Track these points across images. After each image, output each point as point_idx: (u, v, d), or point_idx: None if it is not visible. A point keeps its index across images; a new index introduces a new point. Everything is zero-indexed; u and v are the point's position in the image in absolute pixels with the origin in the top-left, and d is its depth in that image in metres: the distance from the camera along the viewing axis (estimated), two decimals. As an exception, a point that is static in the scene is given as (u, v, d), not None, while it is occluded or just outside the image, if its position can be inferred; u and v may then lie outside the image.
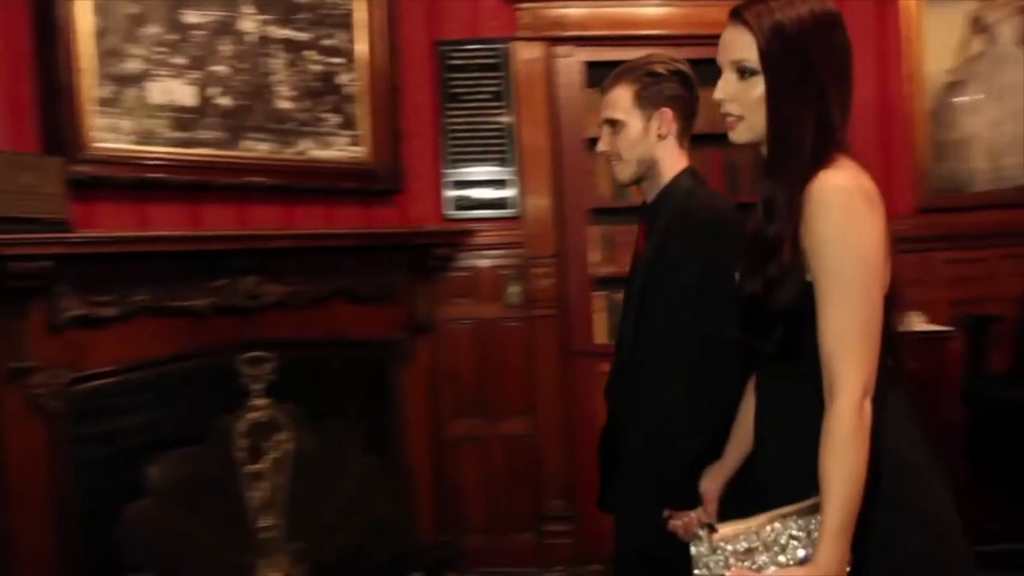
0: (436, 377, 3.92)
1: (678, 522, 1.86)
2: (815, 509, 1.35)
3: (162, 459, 2.93)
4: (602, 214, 4.11)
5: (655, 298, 1.97)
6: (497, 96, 4.00)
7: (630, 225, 4.02)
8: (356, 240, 3.53)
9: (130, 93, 2.97)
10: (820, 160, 1.40)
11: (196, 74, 3.16)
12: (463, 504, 4.03)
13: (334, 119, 3.60)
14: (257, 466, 3.17)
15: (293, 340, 3.32)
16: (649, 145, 2.01)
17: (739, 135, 1.49)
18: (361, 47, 3.69)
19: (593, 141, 3.99)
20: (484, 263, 4.01)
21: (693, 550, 1.39)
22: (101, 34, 2.88)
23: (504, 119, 4.01)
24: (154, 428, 2.94)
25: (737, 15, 1.47)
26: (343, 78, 3.64)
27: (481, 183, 4.02)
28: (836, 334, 1.34)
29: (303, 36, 3.51)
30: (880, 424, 1.36)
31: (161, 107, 3.05)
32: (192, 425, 3.02)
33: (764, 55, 1.41)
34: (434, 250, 3.75)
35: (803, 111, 1.41)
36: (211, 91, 3.20)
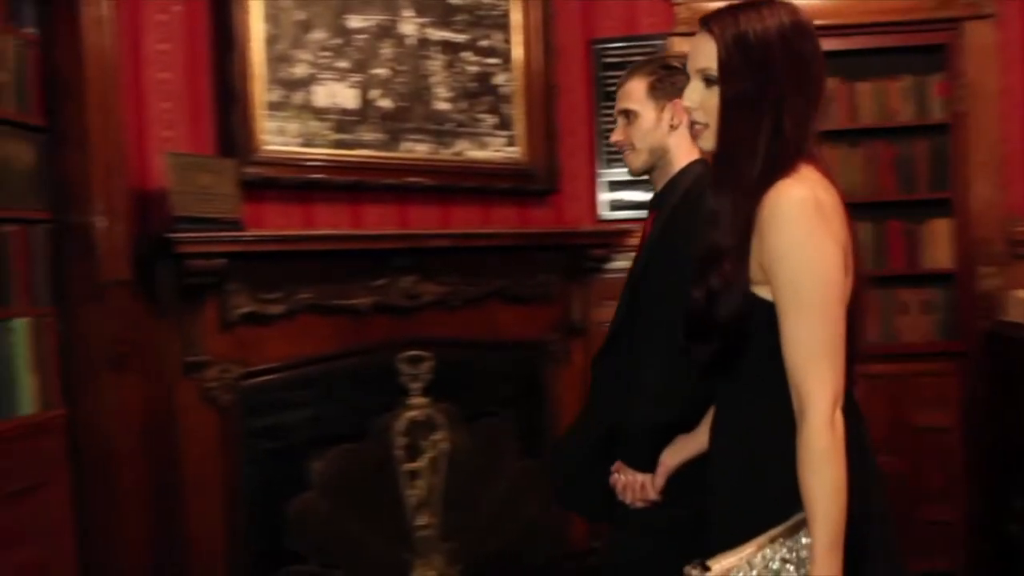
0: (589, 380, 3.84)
1: (619, 477, 1.91)
2: (799, 527, 1.33)
3: (324, 454, 2.99)
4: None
5: (652, 281, 1.97)
6: (653, 94, 3.90)
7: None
8: (511, 240, 3.52)
9: (297, 97, 3.06)
10: (776, 170, 1.38)
11: (358, 77, 3.22)
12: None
13: (490, 120, 3.60)
14: (414, 464, 3.19)
15: (450, 340, 3.33)
16: (661, 135, 2.03)
17: (705, 142, 1.49)
18: (517, 47, 3.68)
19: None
20: (639, 265, 3.90)
21: None
22: (271, 41, 2.98)
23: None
24: (317, 424, 3.01)
25: (704, 23, 1.47)
26: (499, 78, 3.64)
27: (636, 183, 3.91)
28: (800, 350, 1.33)
29: (461, 38, 3.53)
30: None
31: (325, 110, 3.13)
32: (352, 422, 3.08)
33: (722, 65, 1.41)
34: (589, 251, 3.69)
35: (757, 121, 1.39)
36: (372, 93, 3.26)
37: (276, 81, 3.00)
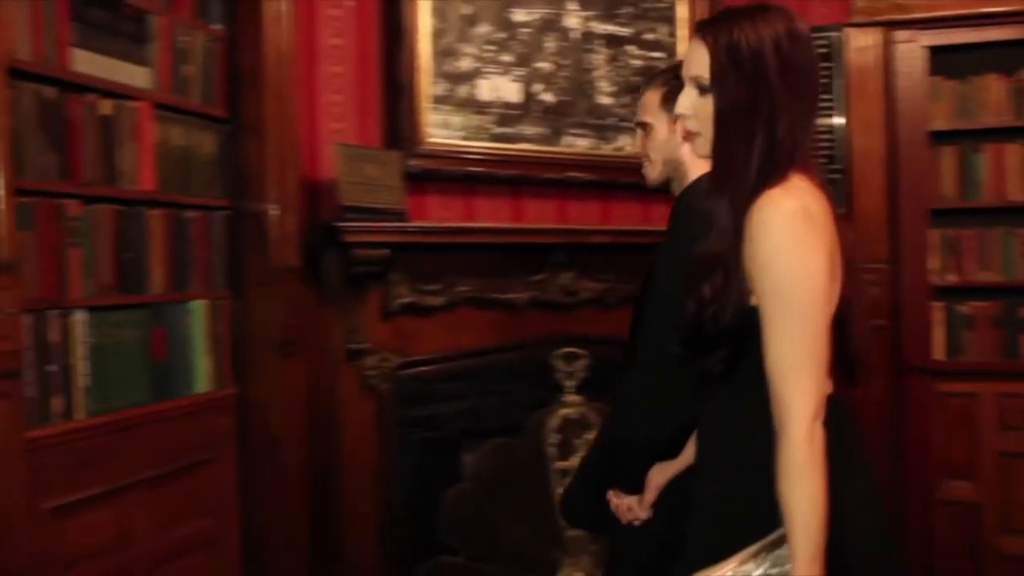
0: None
1: (617, 501, 1.90)
2: (782, 541, 1.31)
3: (477, 447, 3.00)
4: (945, 216, 3.67)
5: (651, 294, 1.93)
6: (825, 88, 3.71)
7: (979, 228, 3.59)
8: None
9: (461, 90, 3.08)
10: (767, 179, 1.36)
11: (521, 71, 3.21)
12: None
13: (653, 114, 3.51)
14: (566, 463, 3.15)
15: (606, 338, 3.26)
16: (674, 146, 1.99)
17: (700, 149, 1.48)
18: (682, 41, 3.57)
19: (938, 135, 3.69)
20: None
21: None
22: (438, 35, 3.01)
23: (833, 115, 3.71)
24: (471, 416, 3.02)
25: (698, 30, 1.47)
26: (663, 72, 3.55)
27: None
28: (781, 360, 1.31)
29: (625, 31, 3.46)
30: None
31: (488, 104, 3.14)
32: (506, 416, 3.07)
33: (714, 73, 1.40)
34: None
35: (750, 130, 1.38)
36: (535, 87, 3.24)
37: (441, 75, 3.02)
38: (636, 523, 1.88)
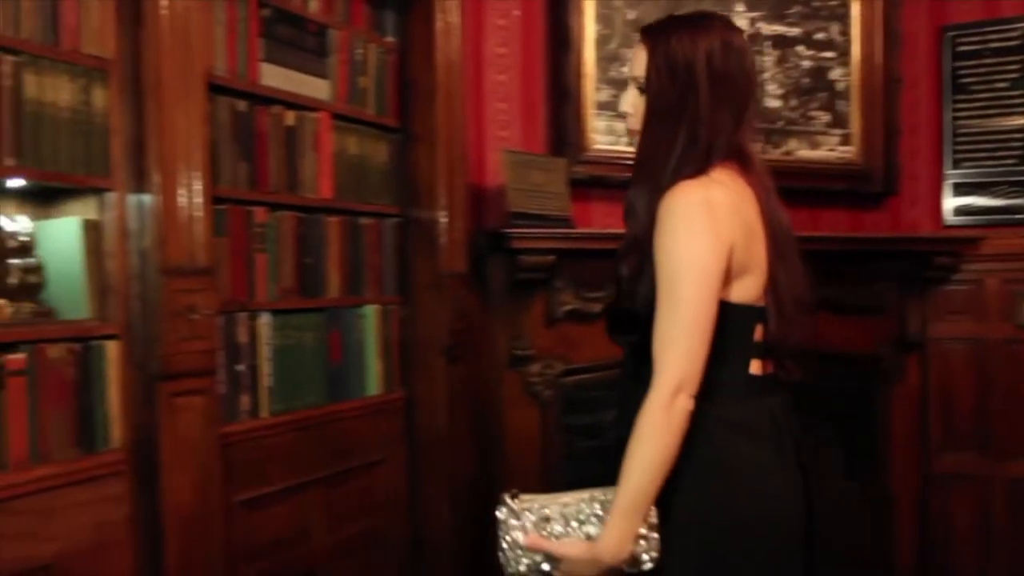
0: (925, 402, 3.50)
1: None
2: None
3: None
4: None
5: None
6: (1016, 84, 3.46)
7: None
8: (843, 246, 3.27)
9: (626, 96, 3.05)
10: (683, 172, 1.43)
11: (686, 75, 3.15)
12: (951, 550, 3.54)
13: (824, 117, 3.38)
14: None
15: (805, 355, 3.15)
16: None
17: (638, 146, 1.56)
18: (856, 39, 3.42)
19: None
20: (991, 276, 3.48)
21: (499, 515, 1.43)
22: (602, 41, 3.00)
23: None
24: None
25: (642, 34, 1.56)
26: (835, 73, 3.41)
27: (989, 185, 3.51)
28: (659, 334, 1.39)
29: (794, 31, 3.35)
30: (705, 432, 1.40)
31: (653, 109, 3.09)
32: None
33: (649, 76, 1.49)
34: (932, 260, 3.34)
35: (674, 131, 1.46)
36: (700, 91, 3.18)
37: (606, 80, 3.01)
38: None
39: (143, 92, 1.83)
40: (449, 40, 2.69)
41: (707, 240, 1.38)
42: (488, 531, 2.50)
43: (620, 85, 3.03)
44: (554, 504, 1.42)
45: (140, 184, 1.84)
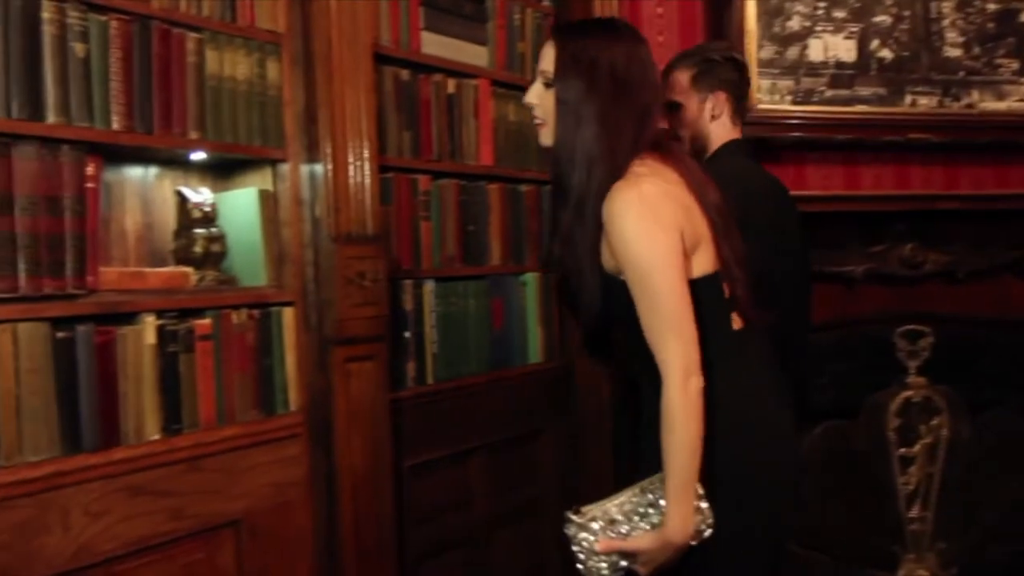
0: None
1: None
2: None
3: (809, 431, 2.83)
4: None
5: None
6: None
7: None
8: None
9: (791, 52, 2.90)
10: (606, 174, 1.50)
11: (856, 27, 2.97)
12: None
13: (1011, 65, 3.10)
14: (908, 450, 2.89)
15: (953, 315, 2.96)
16: (703, 124, 2.14)
17: (544, 138, 1.64)
18: (1047, -22, 3.13)
19: None
20: None
21: (568, 532, 1.50)
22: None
23: None
24: (798, 398, 2.85)
25: (553, 32, 1.67)
26: (1025, 16, 3.13)
27: None
28: (651, 329, 1.47)
29: (976, -27, 3.09)
30: (718, 392, 1.48)
31: (820, 65, 2.93)
32: (840, 398, 2.87)
33: (557, 73, 1.57)
34: None
35: (578, 127, 1.54)
36: (871, 44, 2.98)
37: (769, 37, 2.87)
38: None
39: (313, 64, 1.88)
40: (606, 1, 2.63)
41: (657, 232, 1.46)
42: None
43: (784, 41, 2.89)
44: (612, 506, 1.50)
45: (312, 154, 1.88)
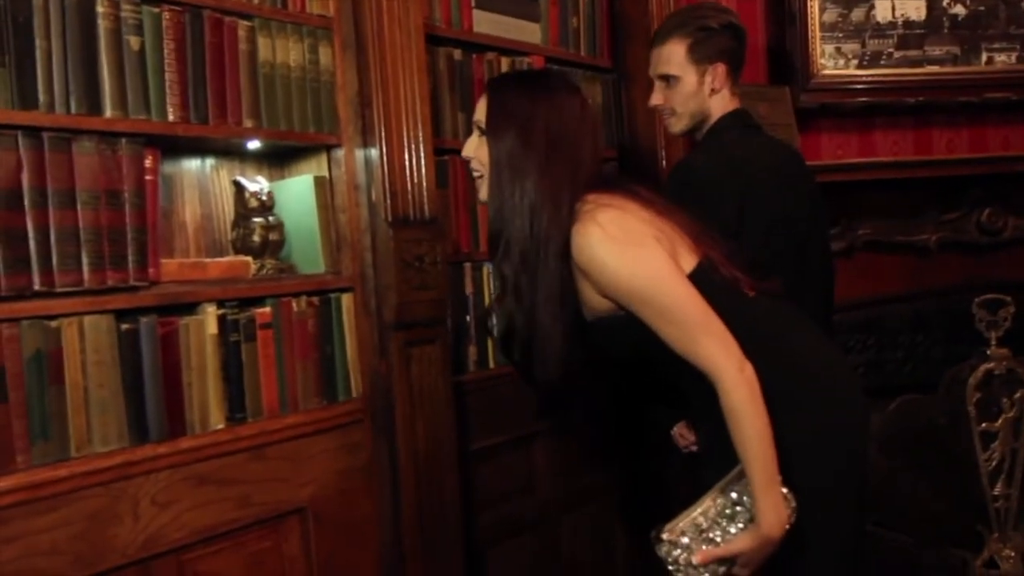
0: None
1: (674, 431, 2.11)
2: (742, 475, 1.43)
3: (885, 405, 2.74)
4: None
5: None
6: None
7: None
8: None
9: (856, 13, 2.80)
10: (556, 221, 1.49)
11: (926, -16, 2.85)
12: None
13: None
14: (990, 425, 2.78)
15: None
16: (702, 99, 2.04)
17: (482, 193, 1.62)
18: None
19: None
20: None
21: (658, 552, 1.46)
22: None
23: None
24: (878, 371, 2.78)
25: (487, 85, 1.65)
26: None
27: None
28: (682, 343, 1.45)
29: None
30: (760, 367, 1.43)
31: (888, 26, 2.82)
32: (918, 372, 2.78)
33: (489, 126, 1.57)
34: None
35: (518, 180, 1.52)
36: (943, 1, 2.85)
37: (834, 0, 2.77)
38: (692, 449, 1.99)
39: (365, 48, 1.85)
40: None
41: (637, 250, 1.45)
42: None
43: (850, 2, 2.79)
44: (697, 515, 1.46)
45: (366, 139, 1.87)
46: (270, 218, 1.87)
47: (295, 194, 1.90)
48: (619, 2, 2.61)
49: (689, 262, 1.52)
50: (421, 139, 1.91)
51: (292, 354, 1.77)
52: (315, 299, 1.82)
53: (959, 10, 2.86)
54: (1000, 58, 2.88)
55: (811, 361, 1.58)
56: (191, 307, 1.63)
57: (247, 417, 1.69)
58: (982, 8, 2.87)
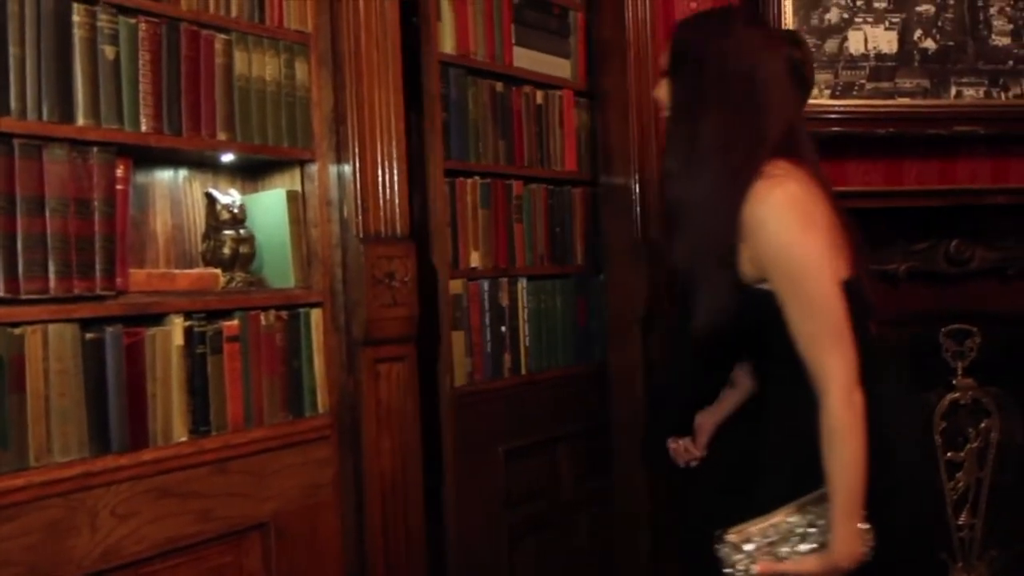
0: None
1: (674, 445, 1.99)
2: (825, 498, 1.40)
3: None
4: None
5: None
6: None
7: None
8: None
9: (829, 45, 2.84)
10: (738, 175, 1.42)
11: (897, 17, 2.89)
12: None
13: (1063, 54, 3.01)
14: (955, 454, 2.81)
15: (1004, 314, 2.86)
16: None
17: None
18: (1099, -36, 3.02)
19: None
20: None
21: (720, 553, 1.44)
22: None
23: None
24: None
25: (672, 26, 1.65)
26: (1076, 4, 3.03)
27: None
28: (808, 339, 1.39)
29: (1025, -40, 2.99)
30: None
31: (859, 57, 2.86)
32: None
33: (669, 69, 1.55)
34: None
35: (693, 124, 1.48)
36: (914, 34, 2.90)
37: (807, 30, 2.81)
38: (693, 464, 1.95)
39: (342, 64, 1.87)
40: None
41: (812, 233, 1.40)
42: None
43: (823, 33, 2.83)
44: (768, 526, 1.44)
45: (340, 155, 1.88)
46: (241, 231, 1.87)
47: (267, 208, 1.90)
48: (596, 27, 2.64)
49: (844, 269, 1.47)
50: (395, 156, 1.92)
51: (259, 368, 1.76)
52: (284, 313, 1.82)
53: (929, 44, 2.91)
54: (969, 92, 2.92)
55: (886, 421, 1.48)
56: (158, 318, 1.62)
57: (211, 430, 1.68)
58: (951, 43, 2.92)
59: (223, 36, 1.73)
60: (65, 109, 1.49)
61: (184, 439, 1.63)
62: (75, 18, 1.51)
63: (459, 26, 2.23)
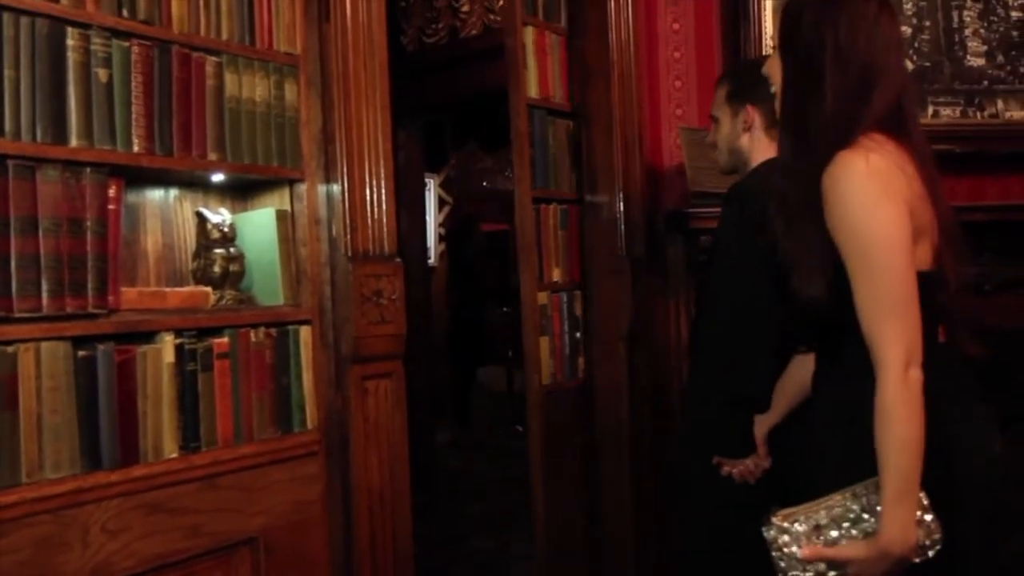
0: None
1: (730, 468, 1.98)
2: (879, 487, 1.34)
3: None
4: None
5: (714, 270, 2.11)
6: None
7: None
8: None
9: (810, 65, 2.89)
10: (831, 144, 1.40)
11: (876, 39, 2.96)
12: None
13: (1035, 74, 3.07)
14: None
15: (982, 330, 2.90)
16: (735, 136, 2.17)
17: (778, 112, 1.57)
18: (1071, -13, 3.09)
19: None
20: None
21: (766, 535, 1.40)
22: (781, 8, 2.85)
23: None
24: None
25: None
26: (1048, 26, 3.09)
27: None
28: (870, 312, 1.35)
29: (999, -18, 3.06)
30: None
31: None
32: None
33: (780, 45, 1.54)
34: None
35: (800, 96, 1.47)
36: (892, 56, 2.97)
37: (788, 50, 2.87)
38: (752, 480, 1.95)
39: (330, 85, 1.90)
40: (622, 20, 2.65)
41: (885, 203, 1.35)
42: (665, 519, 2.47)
43: (803, 54, 2.88)
44: (820, 510, 1.38)
45: (328, 174, 1.91)
46: (231, 249, 1.89)
47: (257, 226, 1.93)
48: (578, 48, 2.69)
49: (921, 259, 1.40)
50: (383, 175, 1.95)
51: (248, 385, 1.79)
52: (273, 331, 1.84)
53: (907, 64, 2.97)
54: (945, 112, 2.99)
55: (952, 449, 1.40)
56: (149, 335, 1.64)
57: (201, 446, 1.69)
58: (928, 64, 2.98)
59: (214, 58, 1.76)
60: (58, 130, 1.52)
61: (174, 455, 1.65)
62: (69, 41, 1.54)
63: (540, 74, 2.59)
